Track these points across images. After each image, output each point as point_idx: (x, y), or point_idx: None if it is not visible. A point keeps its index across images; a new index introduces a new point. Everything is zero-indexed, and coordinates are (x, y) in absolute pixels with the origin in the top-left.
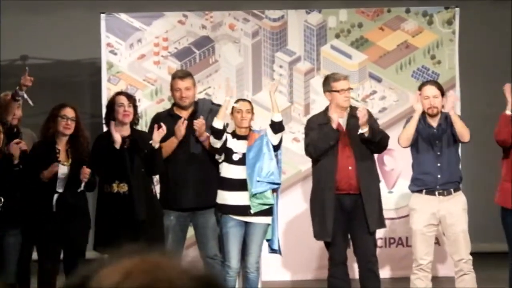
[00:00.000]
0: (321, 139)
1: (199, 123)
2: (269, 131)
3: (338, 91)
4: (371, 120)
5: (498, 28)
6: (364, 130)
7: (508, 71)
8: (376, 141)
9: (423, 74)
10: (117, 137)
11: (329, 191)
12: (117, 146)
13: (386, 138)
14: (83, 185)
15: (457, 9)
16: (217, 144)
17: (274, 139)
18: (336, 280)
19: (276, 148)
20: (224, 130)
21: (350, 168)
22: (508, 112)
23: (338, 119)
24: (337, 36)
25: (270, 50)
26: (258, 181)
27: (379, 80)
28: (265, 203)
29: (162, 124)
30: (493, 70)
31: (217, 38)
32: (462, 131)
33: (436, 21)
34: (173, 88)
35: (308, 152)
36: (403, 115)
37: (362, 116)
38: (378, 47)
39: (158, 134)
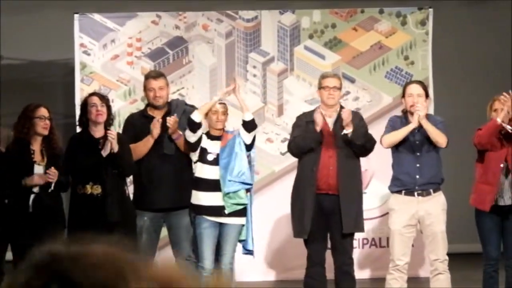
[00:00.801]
0: (304, 138)
1: (172, 120)
2: (242, 130)
3: (323, 88)
4: (361, 123)
5: (471, 29)
6: (347, 131)
7: (482, 72)
8: (359, 144)
9: (396, 74)
10: (108, 147)
11: (309, 190)
12: (105, 154)
13: (371, 142)
14: (53, 185)
15: (431, 10)
16: (192, 138)
17: (247, 138)
18: (312, 281)
19: (250, 147)
20: (200, 124)
21: (331, 168)
22: (499, 120)
23: (323, 121)
24: (311, 36)
25: (244, 50)
26: (230, 181)
27: (352, 80)
28: (239, 203)
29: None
30: (467, 71)
31: (191, 39)
32: (436, 138)
33: (410, 22)
34: (146, 88)
35: (289, 149)
36: (377, 116)
37: (346, 117)
38: (352, 47)
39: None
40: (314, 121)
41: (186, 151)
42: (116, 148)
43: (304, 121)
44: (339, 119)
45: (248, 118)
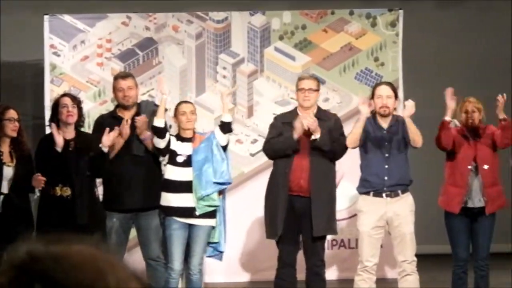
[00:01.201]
0: (280, 144)
1: (141, 119)
2: (218, 131)
3: (299, 90)
4: (336, 125)
5: (441, 31)
6: (315, 136)
7: (451, 73)
8: (326, 150)
9: (366, 76)
10: (59, 140)
11: (282, 191)
12: (59, 149)
13: (340, 148)
14: (37, 191)
15: (401, 12)
16: (161, 144)
17: (222, 139)
18: (283, 282)
19: (224, 149)
20: (165, 128)
21: (303, 170)
22: (447, 118)
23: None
24: (281, 38)
25: (214, 51)
26: (207, 182)
27: (322, 82)
28: (211, 204)
29: (115, 127)
30: (437, 72)
31: (161, 40)
32: (416, 138)
33: (380, 23)
34: (115, 89)
35: (264, 150)
36: (347, 117)
37: (309, 124)
38: (322, 49)
39: (108, 138)
40: (293, 126)
41: (155, 152)
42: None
43: (281, 122)
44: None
45: (226, 119)
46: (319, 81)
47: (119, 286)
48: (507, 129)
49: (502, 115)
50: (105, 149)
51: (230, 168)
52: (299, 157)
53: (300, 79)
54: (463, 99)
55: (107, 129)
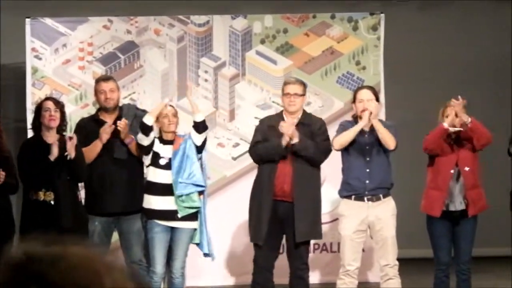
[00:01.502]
0: (268, 150)
1: (123, 123)
2: (193, 132)
3: (284, 94)
4: (320, 130)
5: (422, 35)
6: (293, 142)
7: (433, 77)
8: (303, 155)
9: (348, 80)
10: (55, 151)
11: (266, 195)
12: (52, 158)
13: (321, 152)
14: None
15: (382, 15)
16: (144, 141)
17: (198, 139)
18: (258, 286)
19: (200, 149)
20: (152, 127)
21: (287, 175)
22: (445, 125)
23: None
24: (262, 41)
25: (195, 55)
26: (181, 183)
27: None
28: (192, 206)
29: (73, 135)
30: (418, 76)
31: (142, 43)
32: (386, 139)
33: (361, 27)
34: (97, 91)
35: (250, 154)
36: (328, 121)
37: (284, 131)
38: (303, 53)
39: (71, 145)
40: (280, 131)
41: (138, 155)
42: (73, 154)
43: (266, 125)
44: (300, 126)
45: (199, 119)
46: (305, 86)
47: (115, 287)
48: (476, 130)
49: (465, 118)
50: (71, 156)
51: (205, 172)
52: (283, 162)
53: (285, 83)
54: (445, 103)
55: (67, 136)
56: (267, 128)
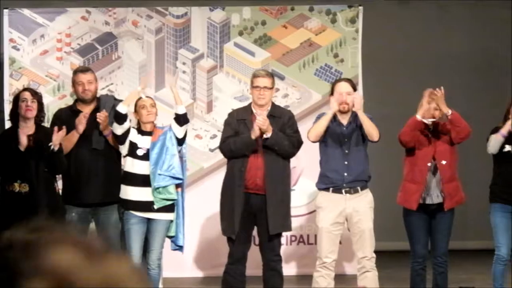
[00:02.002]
0: (238, 145)
1: (103, 115)
2: (174, 124)
3: (254, 87)
4: (289, 122)
5: (401, 27)
6: (266, 135)
7: (411, 70)
8: (276, 149)
9: (326, 72)
10: (23, 140)
11: (238, 189)
12: (22, 148)
13: (293, 145)
14: None
15: (360, 8)
16: (118, 130)
17: (179, 132)
18: (230, 277)
19: (181, 141)
20: (126, 116)
21: (259, 168)
22: (418, 116)
23: (254, 121)
24: (241, 33)
25: (173, 47)
26: (160, 175)
27: (282, 78)
28: (168, 198)
29: (63, 127)
30: (396, 69)
31: (120, 35)
32: (371, 130)
33: (340, 20)
34: (75, 83)
35: (221, 149)
36: (306, 113)
37: (260, 125)
38: (281, 45)
39: (57, 137)
40: (248, 117)
41: (116, 146)
42: (57, 145)
43: (236, 119)
44: (269, 118)
45: (181, 111)
46: (274, 78)
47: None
48: (456, 123)
49: (446, 110)
50: (55, 148)
51: (184, 165)
52: (254, 155)
53: (255, 76)
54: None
55: (56, 128)
56: (237, 122)
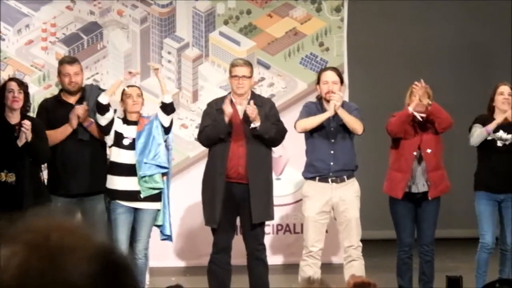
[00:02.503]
0: (213, 129)
1: (81, 108)
2: (161, 113)
3: (233, 77)
4: (272, 111)
5: (387, 16)
6: (255, 125)
7: (397, 59)
8: (267, 137)
9: (311, 61)
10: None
11: (219, 178)
12: (20, 144)
13: (281, 133)
14: None
15: None
16: (101, 120)
17: (165, 120)
18: (216, 267)
19: (167, 130)
20: (108, 106)
21: (241, 157)
22: (410, 109)
23: (232, 111)
24: (226, 22)
25: (159, 36)
26: (146, 163)
27: (267, 67)
28: (155, 187)
29: (27, 122)
30: (382, 58)
31: (105, 24)
32: (353, 126)
33: (325, 8)
34: (61, 73)
35: (199, 139)
36: (291, 102)
37: (250, 113)
38: (267, 34)
39: (24, 130)
40: (247, 114)
41: (99, 137)
42: (29, 137)
43: (215, 109)
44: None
45: (167, 100)
46: (252, 66)
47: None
48: (436, 114)
49: (426, 101)
50: (28, 139)
51: (170, 155)
52: (236, 144)
53: (233, 65)
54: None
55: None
56: (216, 112)
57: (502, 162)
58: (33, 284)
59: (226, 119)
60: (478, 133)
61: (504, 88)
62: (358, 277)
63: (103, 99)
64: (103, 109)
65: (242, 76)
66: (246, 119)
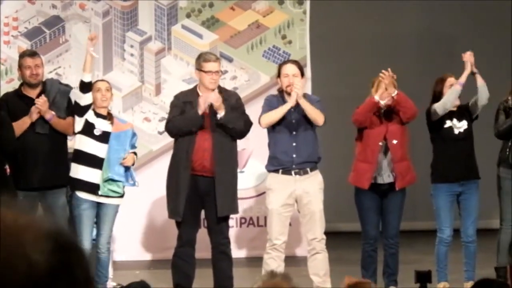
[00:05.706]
0: (185, 121)
1: (41, 101)
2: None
3: (205, 72)
4: (237, 103)
5: (350, 8)
6: (220, 114)
7: (359, 52)
8: (231, 128)
9: (274, 54)
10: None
11: (184, 171)
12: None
13: (246, 125)
14: None
15: None
16: (82, 100)
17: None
18: (179, 260)
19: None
20: (91, 84)
21: (206, 150)
22: (376, 98)
23: (207, 105)
24: (188, 15)
25: (121, 29)
26: (115, 168)
27: (230, 60)
28: (115, 191)
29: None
30: (345, 50)
31: (68, 18)
32: (314, 116)
33: (287, 1)
34: (22, 66)
35: (167, 129)
36: (255, 95)
37: (214, 101)
38: (229, 27)
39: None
40: (197, 104)
41: (61, 130)
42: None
43: (181, 101)
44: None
45: (87, 79)
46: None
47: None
48: (401, 103)
49: (392, 90)
50: None
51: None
52: (201, 137)
53: (206, 60)
54: (377, 77)
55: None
56: (183, 104)
57: (461, 149)
58: None
59: (200, 111)
60: (450, 91)
61: (452, 80)
62: (354, 278)
63: (86, 77)
64: (86, 87)
65: (215, 72)
66: (213, 111)
